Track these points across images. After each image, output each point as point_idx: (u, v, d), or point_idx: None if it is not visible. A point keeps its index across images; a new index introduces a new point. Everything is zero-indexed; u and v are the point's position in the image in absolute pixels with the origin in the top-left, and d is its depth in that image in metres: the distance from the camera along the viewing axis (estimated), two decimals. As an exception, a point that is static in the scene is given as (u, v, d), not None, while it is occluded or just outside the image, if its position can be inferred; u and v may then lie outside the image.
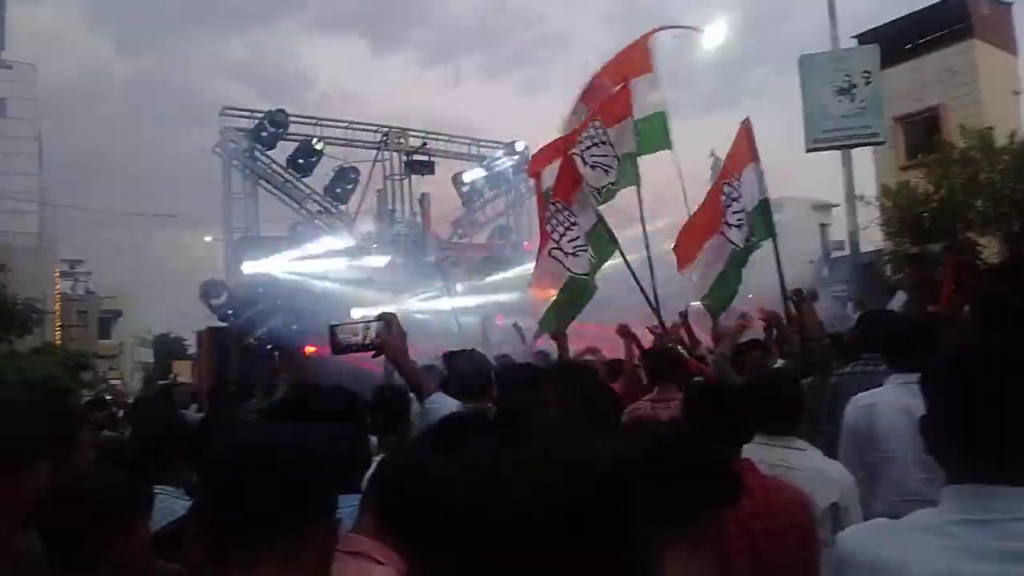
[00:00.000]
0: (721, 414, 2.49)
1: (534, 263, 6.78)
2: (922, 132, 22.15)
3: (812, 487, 2.69)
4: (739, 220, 6.27)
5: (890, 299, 7.12)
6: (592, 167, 6.45)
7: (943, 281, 7.14)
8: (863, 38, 20.39)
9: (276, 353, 8.09)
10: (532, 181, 7.39)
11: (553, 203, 6.39)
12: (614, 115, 6.58)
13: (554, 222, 6.35)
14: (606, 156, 6.49)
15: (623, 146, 6.55)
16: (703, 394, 2.77)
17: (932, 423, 1.36)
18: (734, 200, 6.30)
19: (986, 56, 22.30)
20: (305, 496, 1.18)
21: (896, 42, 21.28)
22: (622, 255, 6.49)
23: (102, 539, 1.78)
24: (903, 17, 23.30)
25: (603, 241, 6.43)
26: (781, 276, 6.09)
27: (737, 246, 6.20)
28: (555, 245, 6.32)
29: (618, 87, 6.75)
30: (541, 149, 7.49)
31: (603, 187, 6.50)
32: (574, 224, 6.34)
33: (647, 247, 6.63)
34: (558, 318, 6.36)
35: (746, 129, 6.52)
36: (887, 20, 23.38)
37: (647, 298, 6.38)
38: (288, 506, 1.16)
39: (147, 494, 2.02)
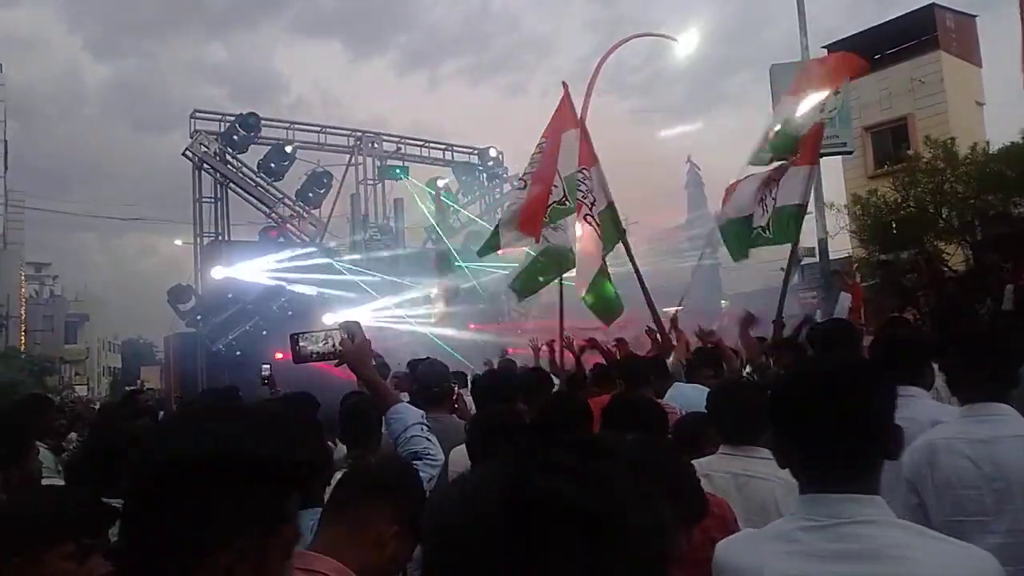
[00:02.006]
0: (638, 426, 2.48)
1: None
2: (890, 141, 22.57)
3: (777, 495, 2.68)
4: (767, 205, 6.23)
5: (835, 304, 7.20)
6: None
7: (856, 295, 7.30)
8: (832, 48, 20.71)
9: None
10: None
11: (581, 170, 6.36)
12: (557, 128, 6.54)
13: (584, 188, 6.31)
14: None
15: (566, 167, 6.48)
16: (621, 406, 2.78)
17: (777, 438, 1.52)
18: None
19: (951, 67, 22.77)
20: (233, 505, 1.08)
21: (864, 53, 21.61)
22: (625, 244, 6.51)
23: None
24: (871, 28, 23.73)
25: (609, 226, 6.42)
26: (785, 288, 6.10)
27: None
28: (588, 212, 6.29)
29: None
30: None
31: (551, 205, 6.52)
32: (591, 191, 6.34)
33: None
34: (527, 283, 6.53)
35: (818, 128, 6.58)
36: (855, 31, 23.80)
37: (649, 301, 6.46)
38: (214, 516, 1.08)
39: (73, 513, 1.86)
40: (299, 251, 16.03)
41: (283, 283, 14.99)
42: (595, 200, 6.30)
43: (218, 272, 15.48)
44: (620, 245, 6.63)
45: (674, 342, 6.03)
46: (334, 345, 2.39)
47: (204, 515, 1.09)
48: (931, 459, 2.31)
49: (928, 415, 2.72)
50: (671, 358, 5.65)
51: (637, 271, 6.54)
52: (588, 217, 6.24)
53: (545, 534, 0.63)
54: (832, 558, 1.34)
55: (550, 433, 2.63)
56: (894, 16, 23.89)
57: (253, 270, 15.23)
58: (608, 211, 6.43)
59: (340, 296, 14.91)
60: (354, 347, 2.39)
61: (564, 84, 6.64)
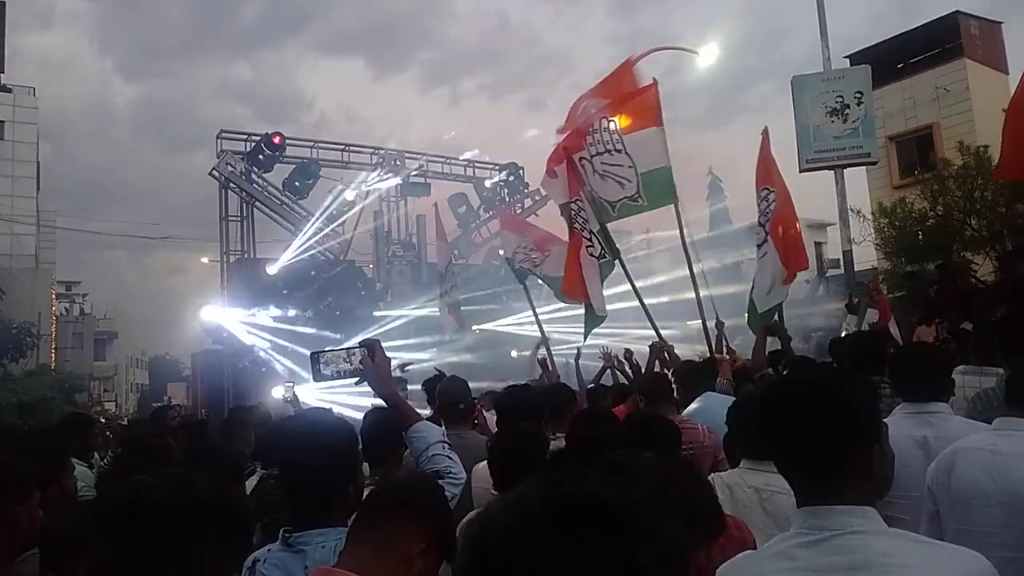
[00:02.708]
0: (652, 443, 2.47)
1: (564, 265, 6.62)
2: (915, 151, 22.32)
3: (790, 512, 2.65)
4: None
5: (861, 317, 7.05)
6: (603, 176, 6.21)
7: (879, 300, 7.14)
8: (855, 58, 20.58)
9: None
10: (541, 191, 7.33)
11: (573, 202, 6.28)
12: (636, 121, 6.21)
13: (580, 220, 6.24)
14: (620, 167, 6.16)
15: (645, 162, 6.12)
16: (636, 425, 2.78)
17: (771, 452, 1.54)
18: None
19: (977, 75, 22.49)
20: (184, 551, 1.15)
21: (888, 62, 21.47)
22: (622, 266, 6.47)
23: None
24: (894, 37, 23.56)
25: (610, 242, 6.44)
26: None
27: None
28: (588, 243, 6.23)
29: (639, 94, 6.35)
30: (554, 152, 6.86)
31: (618, 201, 6.22)
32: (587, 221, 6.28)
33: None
34: (591, 324, 6.41)
35: (764, 139, 6.49)
36: (878, 40, 23.64)
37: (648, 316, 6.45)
38: (162, 559, 1.14)
39: None
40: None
41: (256, 341, 14.92)
42: (590, 228, 6.29)
43: (207, 313, 15.85)
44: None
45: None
46: (355, 364, 2.41)
47: (193, 560, 1.16)
48: (950, 468, 2.29)
49: (960, 432, 2.66)
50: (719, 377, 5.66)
51: (636, 290, 6.55)
52: (589, 248, 6.26)
53: (579, 530, 0.72)
54: (827, 571, 1.37)
55: (581, 454, 2.66)
56: (917, 24, 23.71)
57: (236, 321, 15.25)
58: (601, 233, 6.41)
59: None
60: (374, 365, 2.41)
61: (654, 80, 6.35)
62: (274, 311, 15.32)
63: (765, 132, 6.73)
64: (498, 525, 0.75)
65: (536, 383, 6.82)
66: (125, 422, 15.45)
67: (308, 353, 2.58)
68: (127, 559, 1.14)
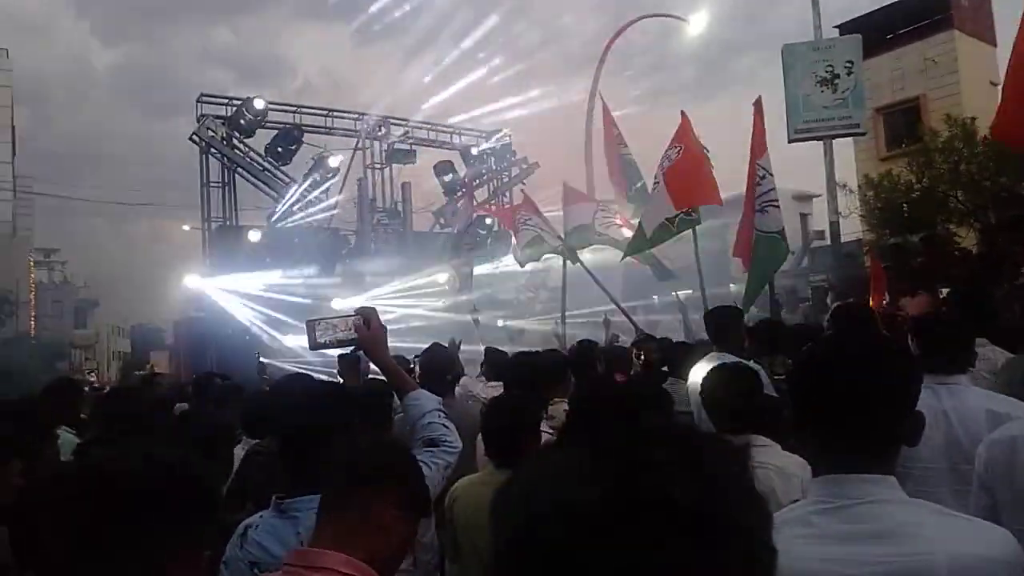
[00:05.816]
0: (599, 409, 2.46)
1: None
2: (902, 123, 22.33)
3: (775, 484, 2.63)
4: (763, 204, 6.12)
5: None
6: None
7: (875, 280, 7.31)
8: (844, 28, 20.46)
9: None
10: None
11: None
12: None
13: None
14: None
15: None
16: (585, 400, 2.78)
17: (796, 421, 1.52)
18: (761, 180, 6.18)
19: (966, 47, 22.46)
20: (142, 529, 1.10)
21: (877, 32, 21.37)
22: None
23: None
24: (884, 7, 23.42)
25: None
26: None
27: (761, 232, 6.08)
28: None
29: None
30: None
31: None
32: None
33: None
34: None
35: (757, 110, 6.48)
36: (868, 11, 23.51)
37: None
38: (123, 536, 1.09)
39: None
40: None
41: (239, 309, 14.88)
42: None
43: (190, 281, 15.79)
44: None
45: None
46: (349, 332, 2.37)
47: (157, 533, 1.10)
48: (1011, 457, 2.04)
49: (980, 403, 2.63)
50: None
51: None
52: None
53: (656, 536, 0.59)
54: (848, 539, 1.33)
55: (639, 426, 2.62)
56: (907, -5, 23.59)
57: (219, 288, 15.17)
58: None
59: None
60: (369, 333, 2.37)
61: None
62: (257, 279, 15.17)
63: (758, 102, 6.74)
64: (544, 520, 0.62)
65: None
66: (106, 391, 15.31)
67: (293, 321, 2.54)
68: (80, 537, 1.09)
